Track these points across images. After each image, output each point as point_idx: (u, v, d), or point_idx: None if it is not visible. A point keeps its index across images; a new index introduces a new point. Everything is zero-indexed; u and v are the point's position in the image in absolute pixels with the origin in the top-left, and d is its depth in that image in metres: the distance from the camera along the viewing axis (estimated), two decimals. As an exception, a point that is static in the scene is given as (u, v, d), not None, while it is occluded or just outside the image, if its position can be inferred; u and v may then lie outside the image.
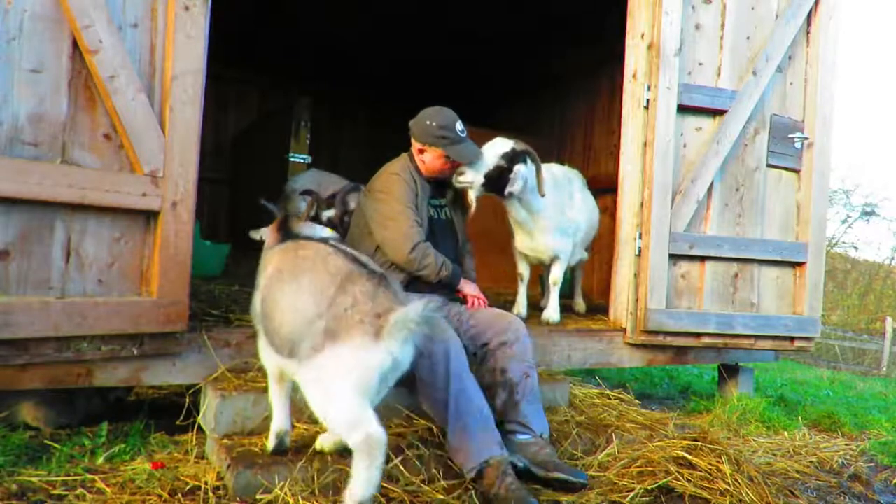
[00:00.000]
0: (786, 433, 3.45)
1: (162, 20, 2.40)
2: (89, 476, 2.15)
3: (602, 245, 5.05)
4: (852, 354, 12.73)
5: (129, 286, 2.38)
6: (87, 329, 2.25)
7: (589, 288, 5.46)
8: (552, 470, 2.38)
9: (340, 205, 3.30)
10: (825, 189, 3.88)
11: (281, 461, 2.17)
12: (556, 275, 3.68)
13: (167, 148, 2.39)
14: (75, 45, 2.21)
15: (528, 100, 7.18)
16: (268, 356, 2.16)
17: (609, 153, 5.80)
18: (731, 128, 3.58)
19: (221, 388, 2.43)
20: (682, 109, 3.53)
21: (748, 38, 3.67)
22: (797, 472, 2.87)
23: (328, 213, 3.27)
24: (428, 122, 2.76)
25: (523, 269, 3.77)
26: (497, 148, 3.04)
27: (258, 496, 2.05)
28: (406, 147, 2.91)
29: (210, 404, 2.41)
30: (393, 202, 2.72)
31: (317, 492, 2.09)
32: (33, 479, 2.11)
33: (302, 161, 5.17)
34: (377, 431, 1.81)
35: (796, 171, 3.81)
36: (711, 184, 3.58)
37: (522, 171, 3.10)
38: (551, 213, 3.47)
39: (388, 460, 2.28)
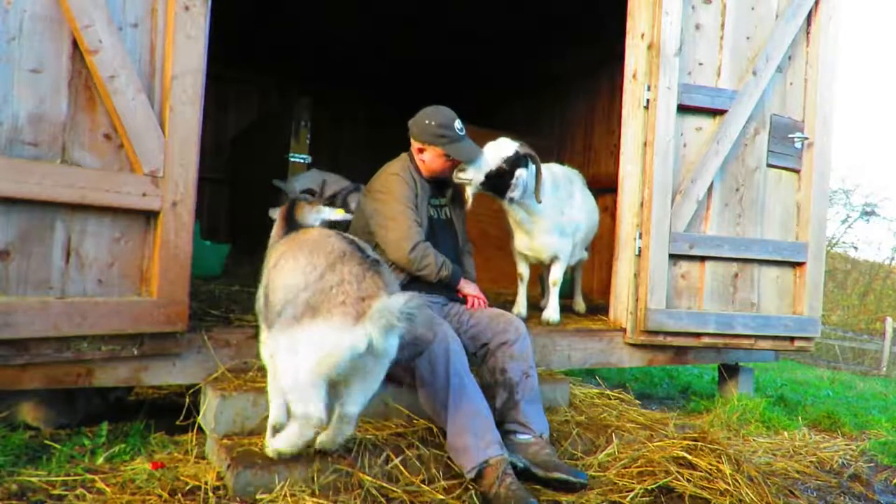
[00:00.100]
0: (786, 433, 3.44)
1: (162, 20, 2.40)
2: (89, 476, 2.15)
3: (602, 245, 5.05)
4: (852, 354, 12.72)
5: (129, 286, 2.38)
6: (87, 329, 2.26)
7: (589, 288, 5.46)
8: (552, 470, 2.38)
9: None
10: (825, 189, 3.88)
11: (281, 461, 2.17)
12: (556, 275, 3.67)
13: (167, 148, 2.39)
14: (75, 45, 2.21)
15: (528, 100, 7.18)
16: (266, 348, 2.19)
17: (609, 153, 5.80)
18: (731, 128, 3.58)
19: (221, 389, 2.43)
20: (682, 109, 3.53)
21: (748, 38, 3.67)
22: (797, 472, 2.87)
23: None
24: (427, 122, 2.76)
25: (523, 269, 3.77)
26: (501, 150, 3.03)
27: (258, 496, 2.05)
28: (406, 147, 2.91)
29: (210, 404, 2.41)
30: (393, 202, 2.72)
31: (317, 492, 2.09)
32: (33, 479, 2.11)
33: (302, 161, 5.17)
34: (317, 411, 1.94)
35: (796, 172, 3.81)
36: (711, 184, 3.58)
37: (524, 176, 3.08)
38: (551, 214, 3.46)
39: (388, 460, 2.29)
